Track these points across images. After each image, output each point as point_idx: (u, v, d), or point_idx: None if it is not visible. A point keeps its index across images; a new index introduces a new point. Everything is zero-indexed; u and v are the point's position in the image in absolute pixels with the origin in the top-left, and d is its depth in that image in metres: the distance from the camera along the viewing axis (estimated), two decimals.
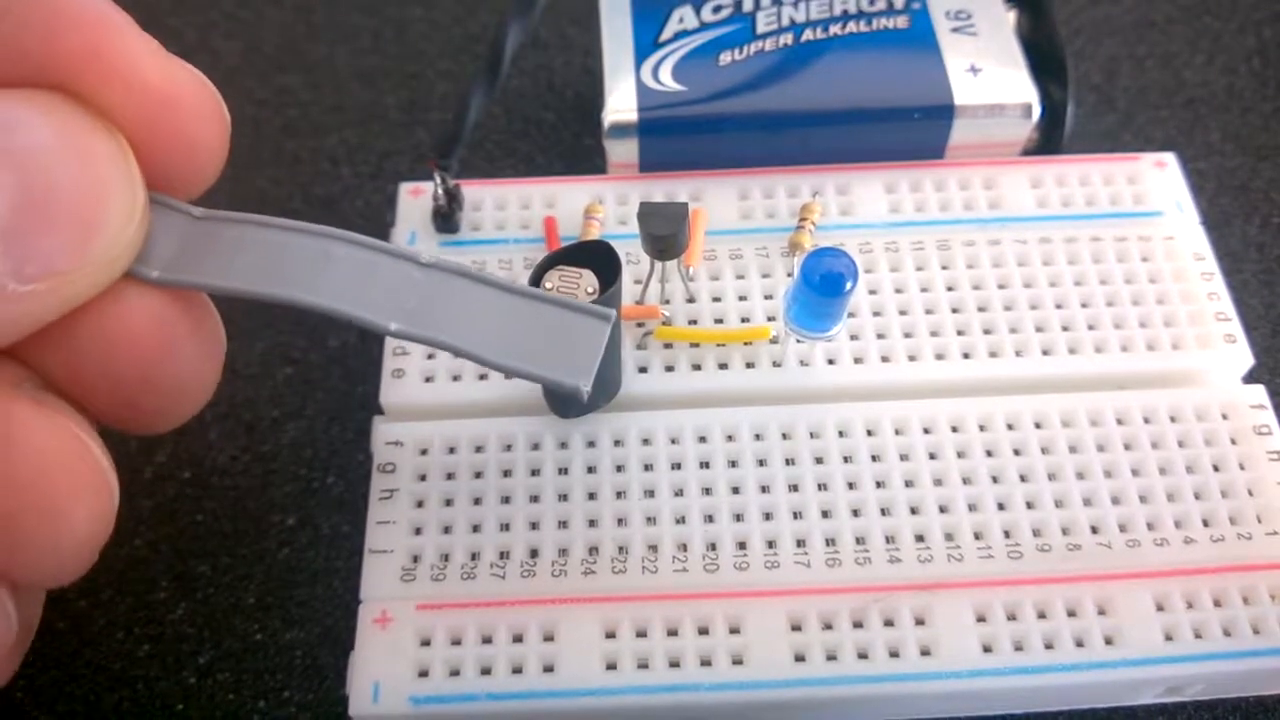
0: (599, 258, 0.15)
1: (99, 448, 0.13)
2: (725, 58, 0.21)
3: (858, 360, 0.18)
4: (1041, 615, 0.16)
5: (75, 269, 0.12)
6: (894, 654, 0.16)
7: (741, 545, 0.17)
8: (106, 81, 0.12)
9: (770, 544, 0.17)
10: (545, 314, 0.14)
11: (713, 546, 0.17)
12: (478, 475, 0.17)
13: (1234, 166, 0.24)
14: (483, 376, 0.18)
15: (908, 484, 0.17)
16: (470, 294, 0.14)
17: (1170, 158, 0.21)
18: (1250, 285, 0.22)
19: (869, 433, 0.18)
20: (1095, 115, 0.25)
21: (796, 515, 0.17)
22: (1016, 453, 0.17)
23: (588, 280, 0.15)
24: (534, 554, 0.17)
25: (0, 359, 0.13)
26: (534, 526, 0.17)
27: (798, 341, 0.18)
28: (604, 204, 0.20)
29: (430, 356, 0.18)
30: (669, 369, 0.18)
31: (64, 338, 0.13)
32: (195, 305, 0.14)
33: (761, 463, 0.17)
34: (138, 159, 0.13)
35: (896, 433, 0.18)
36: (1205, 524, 0.17)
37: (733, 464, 0.17)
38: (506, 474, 0.17)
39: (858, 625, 0.16)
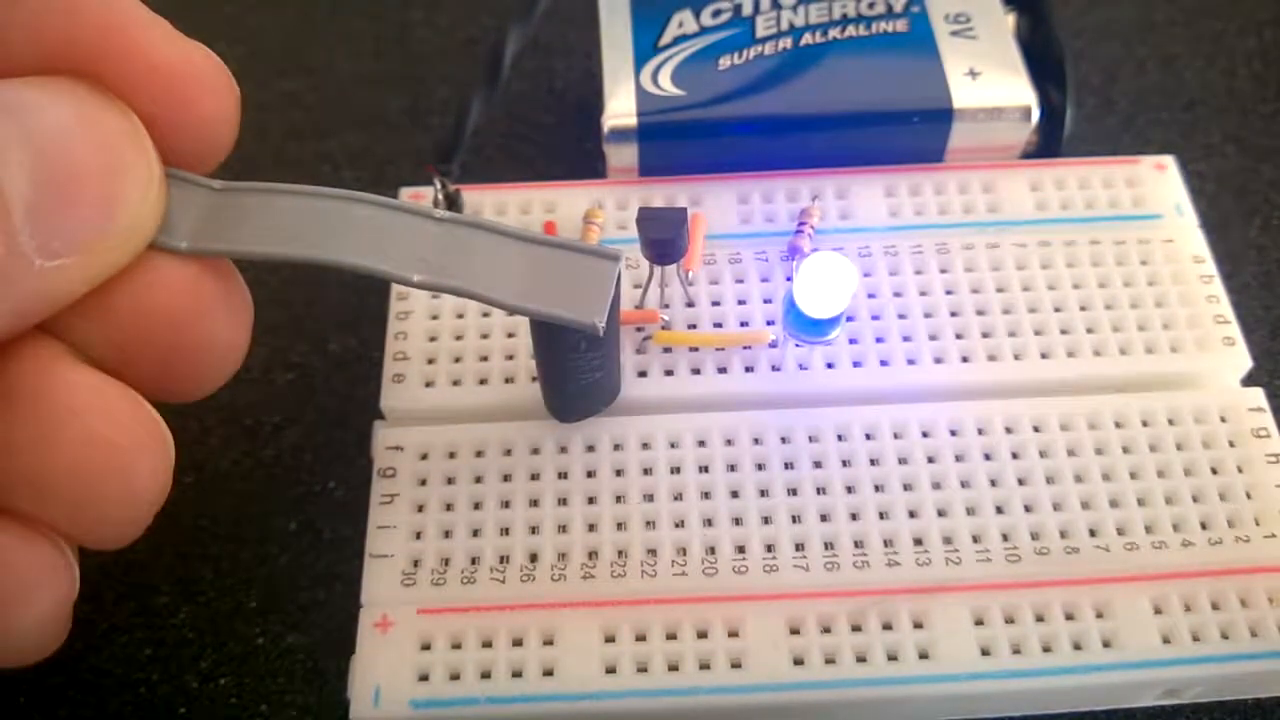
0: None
1: (151, 407, 0.14)
2: (724, 62, 0.21)
3: (856, 364, 0.18)
4: (1039, 618, 0.16)
5: (98, 243, 0.13)
6: (892, 657, 0.16)
7: (740, 549, 0.17)
8: (120, 63, 0.13)
9: (769, 548, 0.17)
10: (557, 258, 0.14)
11: (711, 550, 0.17)
12: (478, 480, 0.17)
13: (1234, 168, 0.24)
14: (483, 381, 0.18)
15: (906, 488, 0.17)
16: (485, 243, 0.14)
17: (1170, 160, 0.21)
18: (1250, 288, 0.22)
19: (868, 436, 0.18)
20: (1095, 117, 0.25)
21: (795, 519, 0.17)
22: (1015, 456, 0.17)
23: None
24: (534, 558, 0.17)
25: (40, 335, 0.13)
26: (534, 531, 0.17)
27: (796, 346, 0.18)
28: (603, 208, 0.20)
29: (430, 361, 0.18)
30: (668, 373, 0.18)
31: (104, 311, 0.13)
32: (224, 273, 0.14)
33: (760, 467, 0.17)
34: (153, 136, 0.13)
35: (895, 436, 0.18)
36: (1203, 527, 0.17)
37: (731, 468, 0.17)
38: (506, 478, 0.17)
39: (856, 629, 0.16)
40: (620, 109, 0.20)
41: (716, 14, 0.21)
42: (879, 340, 0.18)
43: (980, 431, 0.18)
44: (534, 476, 0.17)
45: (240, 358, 0.15)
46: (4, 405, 0.12)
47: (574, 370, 0.16)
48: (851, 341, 0.18)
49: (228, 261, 0.14)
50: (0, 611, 0.13)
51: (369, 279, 0.14)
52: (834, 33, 0.21)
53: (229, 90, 0.14)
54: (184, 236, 0.14)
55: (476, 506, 0.17)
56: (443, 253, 0.14)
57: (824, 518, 0.17)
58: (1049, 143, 0.21)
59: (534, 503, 0.17)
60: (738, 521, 0.17)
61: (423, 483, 0.17)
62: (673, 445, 0.18)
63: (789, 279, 0.19)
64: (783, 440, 0.18)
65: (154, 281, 0.13)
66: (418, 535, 0.17)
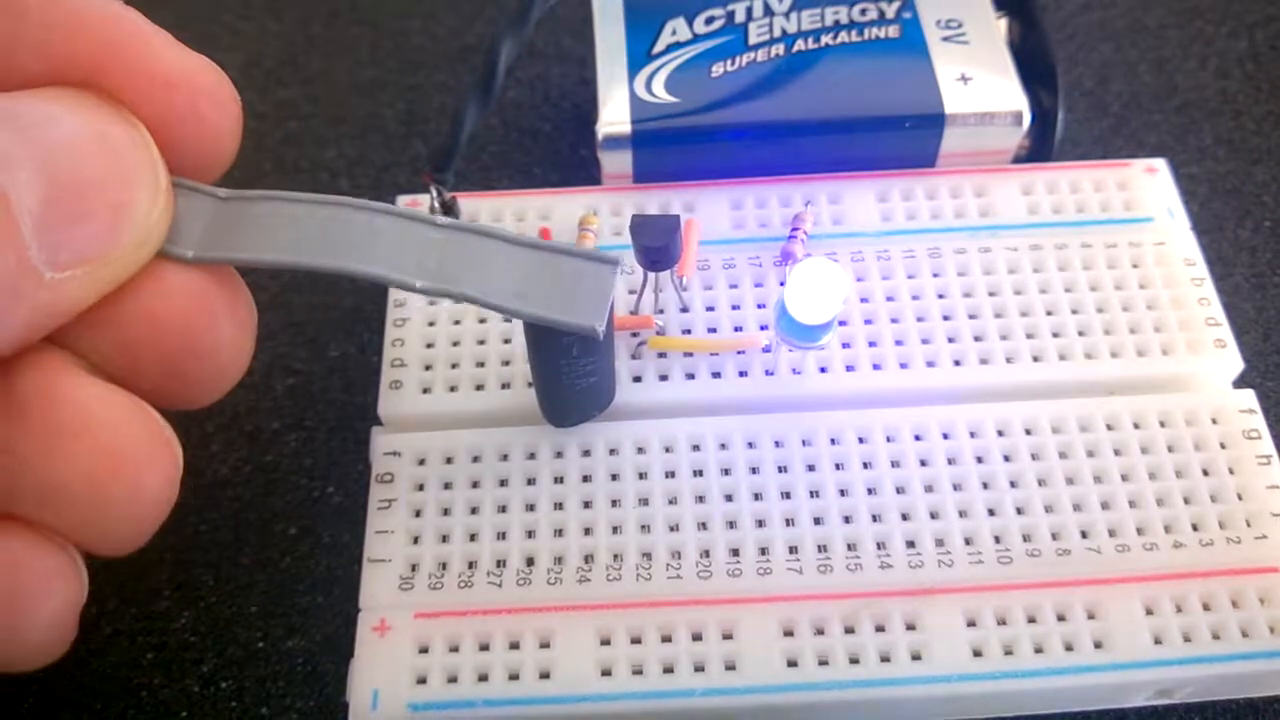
0: None
1: (159, 416, 0.14)
2: (718, 69, 0.21)
3: (850, 368, 0.18)
4: (1031, 620, 0.16)
5: (107, 254, 0.13)
6: (885, 658, 0.16)
7: (734, 552, 0.17)
8: (127, 75, 0.13)
9: (763, 550, 0.17)
10: (556, 263, 0.14)
11: (706, 553, 0.17)
12: (475, 485, 0.18)
13: (1226, 171, 0.24)
14: (479, 387, 0.18)
15: (899, 490, 0.17)
16: (486, 249, 0.14)
17: (1161, 163, 0.21)
18: (1241, 289, 0.22)
19: (861, 440, 0.18)
20: (1088, 120, 0.25)
21: (789, 522, 0.17)
22: (1007, 459, 0.18)
23: None
24: (530, 562, 0.17)
25: (48, 346, 0.13)
26: (530, 535, 0.17)
27: (790, 350, 0.18)
28: (598, 215, 0.20)
29: (428, 368, 0.19)
30: (663, 378, 0.18)
31: (112, 320, 0.13)
32: (229, 280, 0.15)
33: (754, 470, 0.18)
34: (159, 147, 0.13)
35: (888, 440, 0.18)
36: (1194, 528, 0.17)
37: (726, 472, 0.18)
38: (503, 483, 0.18)
39: (849, 630, 0.16)
40: (614, 116, 0.20)
41: (709, 21, 0.21)
42: (872, 345, 0.19)
43: (973, 434, 0.18)
44: (530, 481, 0.18)
45: (245, 364, 0.15)
46: (15, 416, 0.13)
47: (568, 375, 0.16)
48: (844, 346, 0.19)
49: (232, 269, 0.15)
50: (10, 616, 0.13)
51: (368, 285, 0.14)
52: (826, 39, 0.21)
53: (232, 102, 0.14)
54: (190, 245, 0.14)
55: (473, 511, 0.17)
56: (445, 259, 0.14)
57: (817, 521, 0.17)
58: (1041, 147, 0.21)
59: (530, 507, 0.17)
60: (732, 525, 0.17)
61: (420, 488, 0.18)
62: (667, 450, 0.18)
63: (782, 284, 0.19)
64: (776, 444, 0.18)
65: (161, 290, 0.14)
66: (415, 540, 0.17)
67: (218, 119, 0.14)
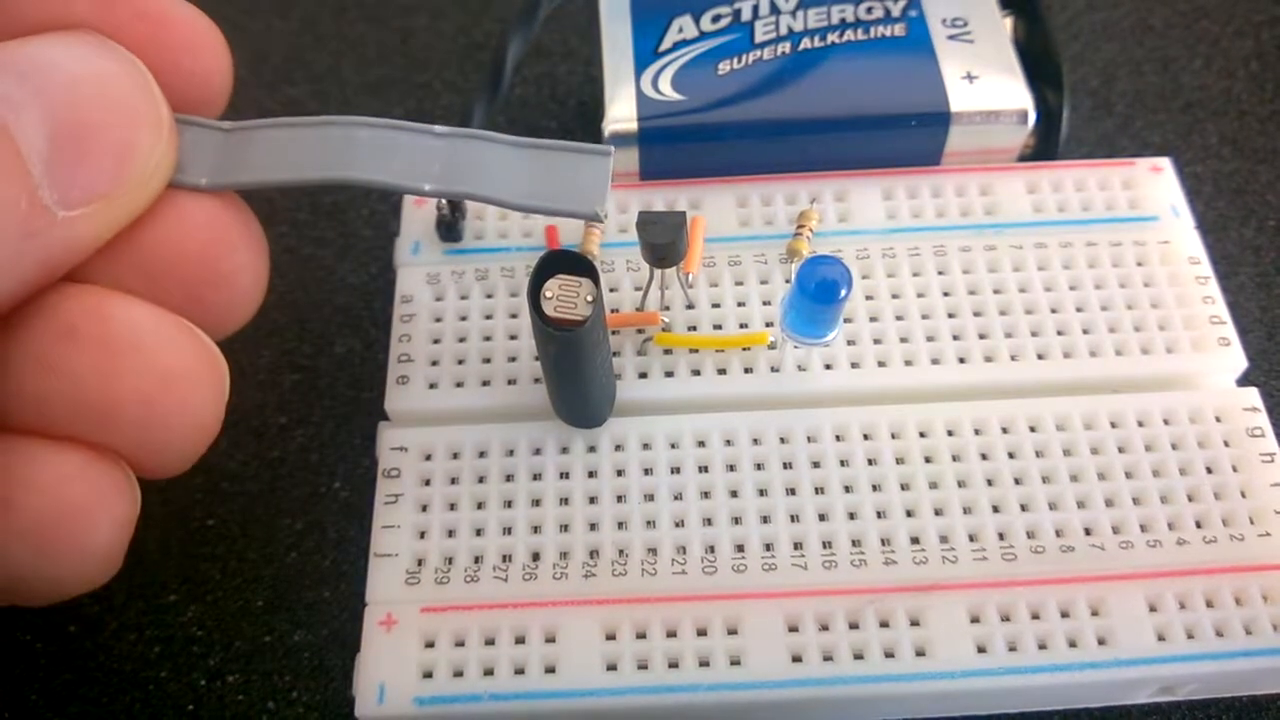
0: (580, 265, 0.15)
1: (206, 337, 0.14)
2: (724, 67, 0.21)
3: (855, 365, 0.18)
4: (1035, 616, 0.16)
5: (116, 189, 0.13)
6: (889, 654, 0.16)
7: (739, 548, 0.17)
8: (123, 18, 0.14)
9: (768, 546, 0.17)
10: (554, 158, 0.15)
11: (711, 549, 0.17)
12: (481, 480, 0.18)
13: (1231, 170, 0.24)
14: (485, 383, 0.19)
15: (903, 487, 0.17)
16: (485, 151, 0.15)
17: (1166, 162, 0.21)
18: (1246, 288, 0.22)
19: (865, 437, 0.18)
20: (1093, 119, 0.25)
21: (794, 518, 0.17)
22: (1011, 456, 0.18)
23: (586, 289, 0.15)
24: (535, 557, 0.17)
25: (83, 284, 0.14)
26: (536, 530, 0.17)
27: (795, 347, 0.18)
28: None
29: (434, 363, 0.19)
30: (669, 374, 0.19)
31: (135, 252, 0.14)
32: (241, 209, 0.15)
33: (759, 466, 0.18)
34: (161, 87, 0.14)
35: (892, 437, 0.18)
36: (1198, 525, 0.17)
37: (731, 468, 0.18)
38: (509, 478, 0.18)
39: (854, 626, 0.16)
40: (621, 114, 0.20)
41: (716, 19, 0.22)
42: (876, 342, 0.19)
43: (977, 432, 0.18)
44: (536, 476, 0.18)
45: (263, 291, 0.16)
46: (67, 340, 0.13)
47: (595, 371, 0.16)
48: (849, 343, 0.19)
49: (241, 200, 0.15)
50: (72, 531, 0.13)
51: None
52: (832, 37, 0.21)
53: (221, 42, 0.15)
54: (202, 174, 0.15)
55: (479, 506, 0.17)
56: (447, 163, 0.15)
57: (822, 517, 0.17)
58: (1046, 145, 0.21)
59: (536, 502, 0.17)
60: (737, 520, 0.17)
61: (426, 483, 0.18)
62: (673, 445, 0.18)
63: (788, 281, 0.19)
64: (781, 440, 0.18)
65: (179, 218, 0.14)
66: (422, 534, 0.17)
67: (210, 55, 0.15)
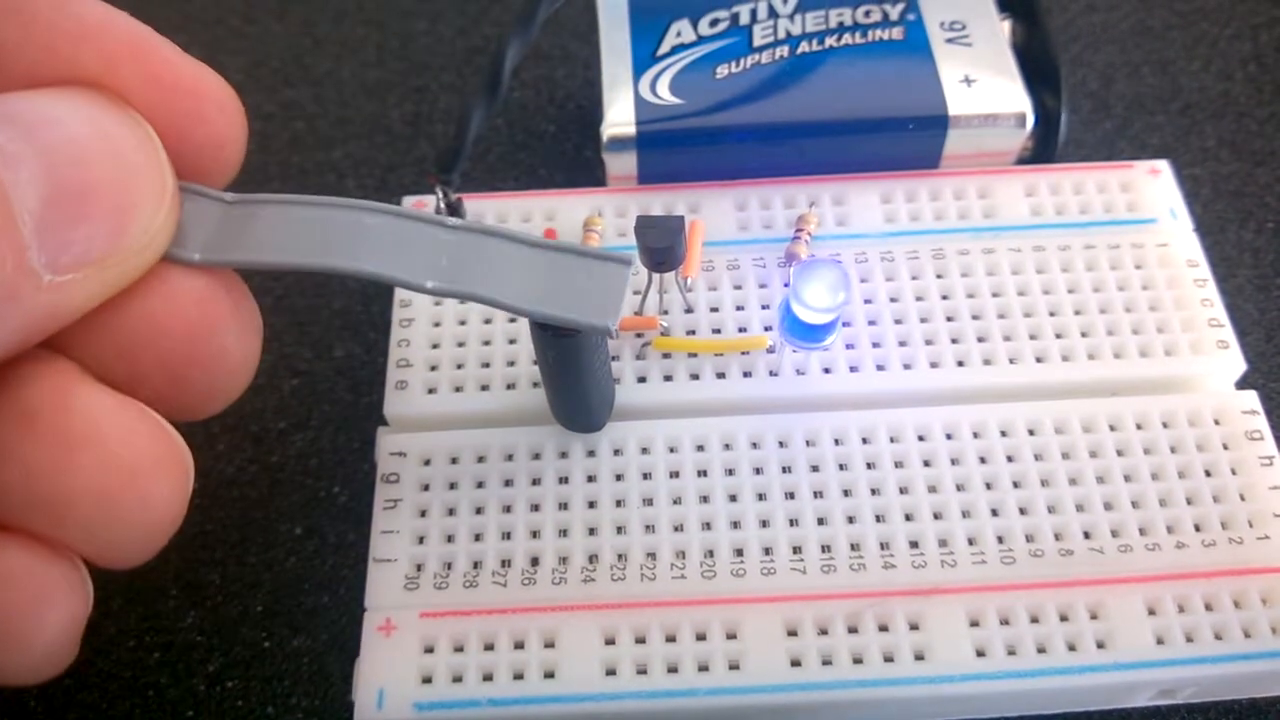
0: None
1: (170, 427, 0.14)
2: (722, 71, 0.21)
3: (853, 369, 0.18)
4: (1034, 619, 0.16)
5: (110, 257, 0.12)
6: (888, 658, 0.16)
7: (738, 552, 0.17)
8: (133, 79, 0.13)
9: (767, 550, 0.17)
10: (567, 263, 0.14)
11: (710, 553, 0.17)
12: (480, 485, 0.18)
13: (1229, 172, 0.24)
14: (484, 387, 0.19)
15: (902, 491, 0.17)
16: (496, 250, 0.14)
17: (1164, 165, 0.21)
18: (1245, 290, 0.22)
19: (864, 440, 0.18)
20: (1092, 122, 0.25)
21: (793, 522, 0.17)
22: (1010, 459, 0.18)
23: None
24: (535, 562, 0.17)
25: (55, 355, 0.13)
26: (535, 535, 0.17)
27: (793, 351, 0.18)
28: (603, 216, 0.20)
29: (433, 368, 0.19)
30: (667, 378, 0.19)
31: (117, 325, 0.13)
32: (234, 287, 0.14)
33: (758, 470, 0.18)
34: (167, 153, 0.13)
35: (891, 440, 0.18)
36: (1197, 529, 0.17)
37: (730, 472, 0.18)
38: (508, 483, 0.18)
39: (853, 630, 0.16)
40: (619, 118, 0.20)
41: (714, 23, 0.22)
42: (875, 345, 0.19)
43: (975, 435, 0.18)
44: (535, 481, 0.18)
45: (251, 373, 0.15)
46: (23, 427, 0.12)
47: (594, 376, 0.16)
48: (848, 347, 0.19)
49: (236, 276, 0.14)
50: (17, 629, 0.13)
51: (373, 286, 0.14)
52: (830, 41, 0.21)
53: (237, 109, 0.14)
54: (196, 248, 0.14)
55: (478, 511, 0.17)
56: (455, 260, 0.14)
57: (821, 521, 0.17)
58: (1044, 148, 0.21)
59: (535, 507, 0.17)
60: (736, 525, 0.17)
61: (425, 488, 0.18)
62: (672, 450, 0.18)
63: (786, 285, 0.19)
64: (780, 444, 0.18)
65: (165, 294, 0.13)
66: (421, 540, 0.17)
67: (224, 125, 0.14)
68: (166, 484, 0.13)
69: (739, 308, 0.19)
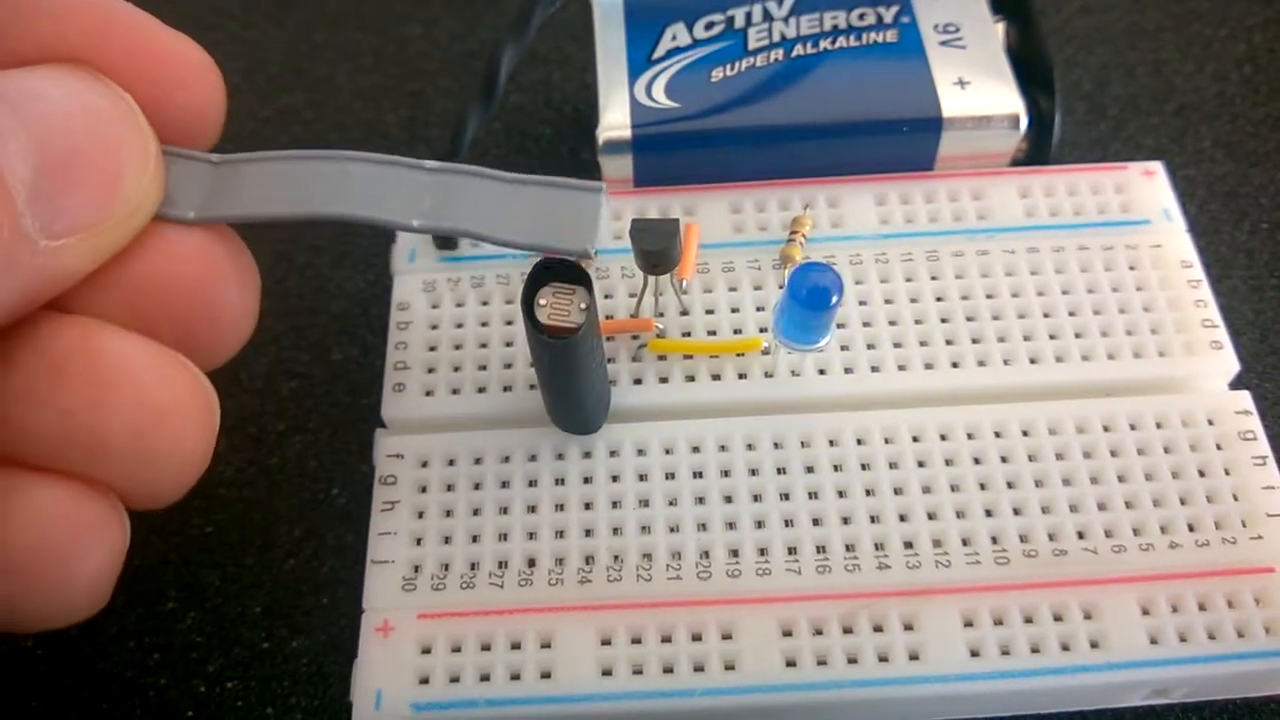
0: (574, 273, 0.15)
1: (197, 370, 0.14)
2: (717, 74, 0.21)
3: (848, 370, 0.19)
4: (1028, 620, 0.16)
5: (101, 221, 0.13)
6: (883, 658, 0.16)
7: (734, 553, 0.17)
8: (114, 52, 0.14)
9: (762, 551, 0.17)
10: (545, 194, 0.15)
11: (706, 554, 0.17)
12: (477, 487, 0.18)
13: (1224, 173, 0.24)
14: (481, 390, 0.19)
15: (897, 491, 0.17)
16: (476, 187, 0.15)
17: (1158, 166, 0.21)
18: (1239, 291, 0.23)
19: (859, 441, 0.18)
20: (1086, 123, 0.25)
21: (788, 523, 0.17)
22: (1004, 460, 0.18)
23: (580, 297, 0.15)
24: (531, 563, 0.17)
25: (69, 315, 0.14)
26: (531, 536, 0.17)
27: (789, 353, 0.18)
28: None
29: (430, 370, 0.19)
30: (663, 380, 0.19)
31: (121, 284, 0.14)
32: (231, 240, 0.15)
33: (753, 472, 0.18)
34: (147, 118, 0.14)
35: (886, 441, 0.18)
36: (1190, 529, 0.17)
37: (725, 473, 0.18)
38: (504, 485, 0.18)
39: (847, 631, 0.16)
40: (615, 121, 0.20)
41: (709, 27, 0.22)
42: (870, 347, 0.19)
43: (970, 436, 0.18)
44: (532, 483, 0.18)
45: (253, 323, 0.15)
46: (54, 375, 0.13)
47: (590, 378, 0.16)
48: (843, 348, 0.19)
49: (232, 231, 0.15)
50: (59, 565, 0.13)
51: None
52: (825, 44, 0.21)
53: (215, 75, 0.15)
54: (190, 207, 0.14)
55: (475, 513, 0.18)
56: (437, 199, 0.15)
57: (816, 521, 0.17)
58: (1038, 150, 0.21)
59: (532, 509, 0.18)
60: (731, 526, 0.17)
61: (423, 490, 0.18)
62: (667, 451, 0.18)
63: (781, 287, 0.19)
64: (775, 446, 0.18)
65: (165, 251, 0.14)
66: (418, 541, 0.17)
67: (203, 90, 0.15)
68: (195, 420, 0.14)
69: (734, 310, 0.19)
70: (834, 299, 0.16)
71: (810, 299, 0.16)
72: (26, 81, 0.13)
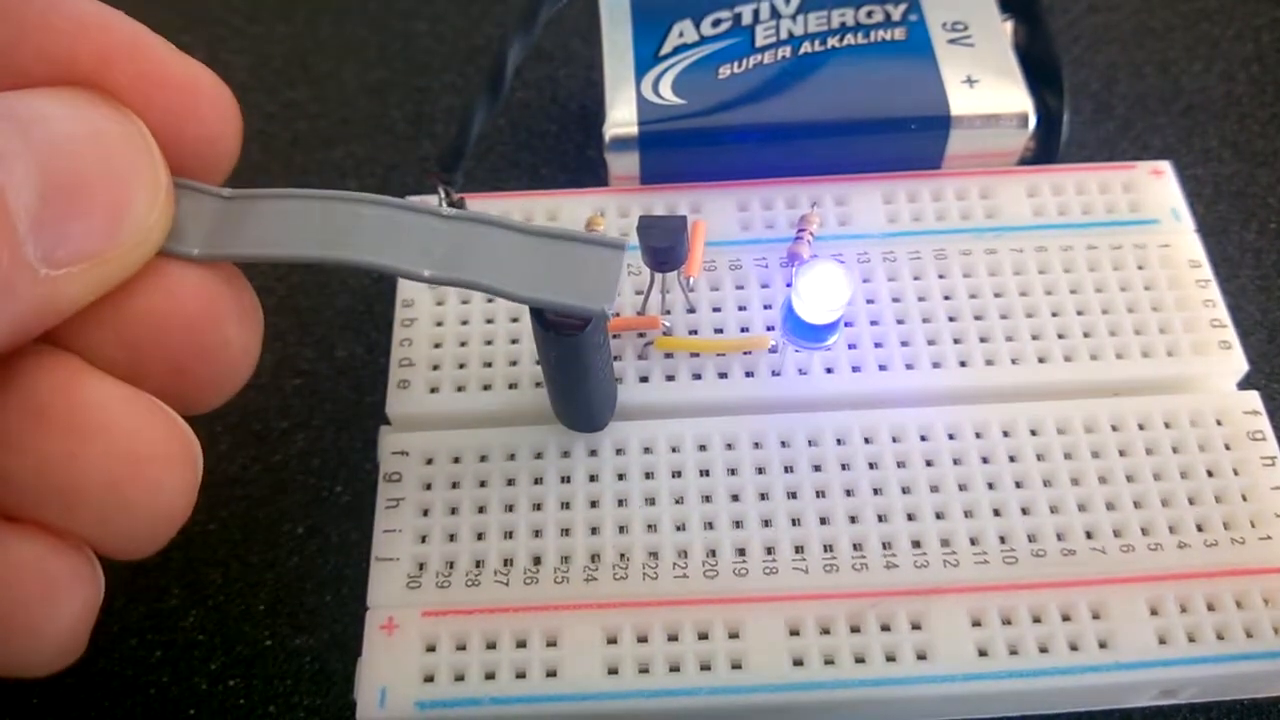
0: None
1: (180, 419, 0.14)
2: (724, 71, 0.21)
3: (856, 369, 0.18)
4: (1036, 619, 0.16)
5: (105, 251, 0.13)
6: (890, 658, 0.16)
7: (740, 551, 0.17)
8: (127, 77, 0.13)
9: (769, 550, 0.17)
10: (562, 248, 0.14)
11: (712, 553, 0.17)
12: (482, 484, 0.18)
13: (1231, 173, 0.24)
14: (487, 387, 0.19)
15: (904, 490, 0.17)
16: (491, 237, 0.14)
17: (1166, 166, 0.21)
18: (1247, 291, 0.22)
19: (866, 440, 0.18)
20: (1094, 122, 0.25)
21: (795, 522, 0.17)
22: (1012, 459, 0.18)
23: None
24: (537, 561, 0.17)
25: (58, 351, 0.13)
26: (537, 534, 0.17)
27: (796, 351, 0.18)
28: (605, 216, 0.20)
29: (435, 367, 0.19)
30: (670, 378, 0.19)
31: (118, 319, 0.13)
32: (235, 280, 0.15)
33: (760, 470, 0.18)
34: (160, 148, 0.13)
35: (893, 440, 0.18)
36: (1199, 529, 0.17)
37: (732, 472, 0.18)
38: (510, 483, 0.18)
39: (855, 630, 0.16)
40: (621, 118, 0.20)
41: (716, 24, 0.22)
42: (877, 345, 0.19)
43: (978, 435, 0.18)
44: (537, 480, 0.18)
45: (253, 365, 0.15)
46: (33, 420, 0.12)
47: (596, 376, 0.16)
48: (850, 347, 0.19)
49: (237, 269, 0.15)
50: (30, 619, 0.13)
51: (375, 285, 0.14)
52: (832, 41, 0.21)
53: (231, 105, 0.14)
54: (195, 243, 0.14)
55: (480, 510, 0.17)
56: (451, 248, 0.14)
57: (823, 520, 0.17)
58: (1046, 149, 0.21)
59: (537, 506, 0.17)
60: (738, 524, 0.17)
61: (428, 487, 0.18)
62: (674, 449, 0.18)
63: (788, 285, 0.19)
64: (782, 444, 0.18)
65: (167, 288, 0.13)
66: (423, 539, 0.17)
67: (218, 121, 0.14)
68: (176, 473, 0.13)
69: (741, 308, 0.19)
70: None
71: (817, 298, 0.16)
72: (33, 103, 0.12)
